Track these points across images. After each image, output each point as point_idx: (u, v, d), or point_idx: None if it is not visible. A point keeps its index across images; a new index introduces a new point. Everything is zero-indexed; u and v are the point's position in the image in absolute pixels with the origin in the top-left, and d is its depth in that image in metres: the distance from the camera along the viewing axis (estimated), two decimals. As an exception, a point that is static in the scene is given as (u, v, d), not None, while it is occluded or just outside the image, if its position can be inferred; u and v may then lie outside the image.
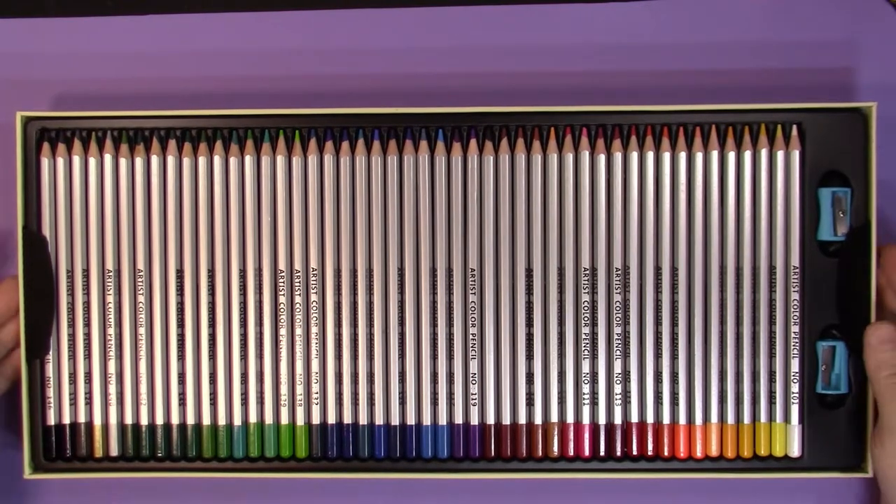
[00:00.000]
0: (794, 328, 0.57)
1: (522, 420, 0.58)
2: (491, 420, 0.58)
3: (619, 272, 0.57)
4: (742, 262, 0.57)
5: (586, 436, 0.58)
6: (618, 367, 0.57)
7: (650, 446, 0.58)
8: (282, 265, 0.58)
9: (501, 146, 0.57)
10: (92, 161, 0.58)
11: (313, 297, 0.58)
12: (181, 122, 0.58)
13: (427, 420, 0.58)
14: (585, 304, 0.57)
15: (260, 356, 0.58)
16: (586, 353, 0.57)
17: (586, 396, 0.58)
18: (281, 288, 0.58)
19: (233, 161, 0.58)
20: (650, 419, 0.57)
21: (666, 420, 0.58)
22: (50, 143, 0.58)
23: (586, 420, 0.58)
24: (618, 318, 0.57)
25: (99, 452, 0.58)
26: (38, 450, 0.58)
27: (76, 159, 0.58)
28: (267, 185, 0.58)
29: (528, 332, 0.58)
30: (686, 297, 0.57)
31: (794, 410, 0.57)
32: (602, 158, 0.57)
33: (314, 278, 0.58)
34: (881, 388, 0.54)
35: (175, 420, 0.58)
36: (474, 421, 0.58)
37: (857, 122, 0.56)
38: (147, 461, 0.58)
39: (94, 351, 0.58)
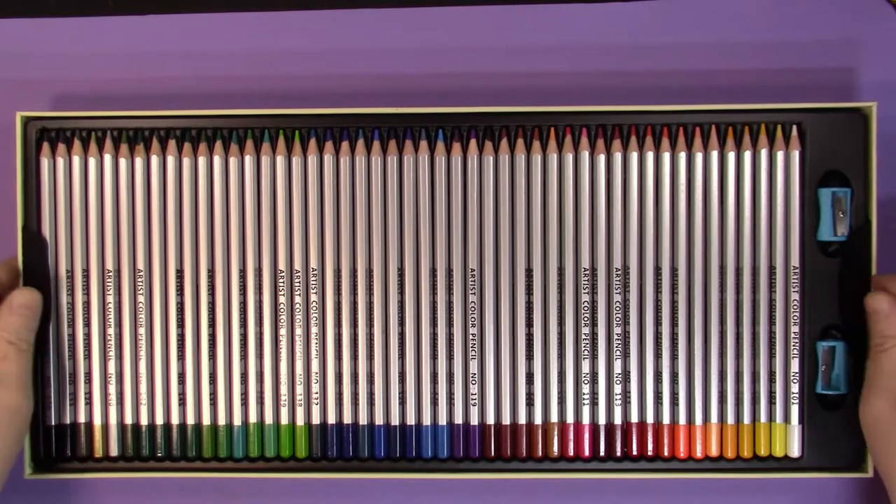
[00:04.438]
0: (794, 328, 0.57)
1: (522, 420, 0.58)
2: (491, 420, 0.58)
3: (619, 272, 0.57)
4: (742, 262, 0.57)
5: (586, 436, 0.58)
6: (618, 367, 0.57)
7: (650, 446, 0.58)
8: (282, 265, 0.58)
9: (501, 146, 0.57)
10: (92, 161, 0.58)
11: (313, 297, 0.58)
12: (181, 122, 0.58)
13: (427, 420, 0.58)
14: (585, 304, 0.57)
15: (260, 356, 0.58)
16: (586, 353, 0.57)
17: (586, 396, 0.58)
18: (281, 288, 0.58)
19: (233, 161, 0.58)
20: (650, 419, 0.58)
21: (666, 420, 0.58)
22: (50, 143, 0.58)
23: (586, 420, 0.58)
24: (618, 319, 0.57)
25: (99, 452, 0.58)
26: (38, 450, 0.58)
27: (76, 159, 0.58)
28: (267, 185, 0.58)
29: (528, 332, 0.58)
30: (686, 297, 0.57)
31: (794, 411, 0.57)
32: (602, 158, 0.57)
33: (314, 278, 0.58)
34: (871, 354, 0.55)
35: (175, 420, 0.58)
36: (474, 421, 0.58)
37: (857, 122, 0.56)
38: (147, 461, 0.58)
39: (94, 351, 0.58)
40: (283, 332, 0.58)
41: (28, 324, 0.56)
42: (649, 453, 0.58)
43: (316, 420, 0.58)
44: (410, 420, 0.58)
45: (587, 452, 0.58)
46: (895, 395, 0.53)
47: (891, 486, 0.53)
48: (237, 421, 0.58)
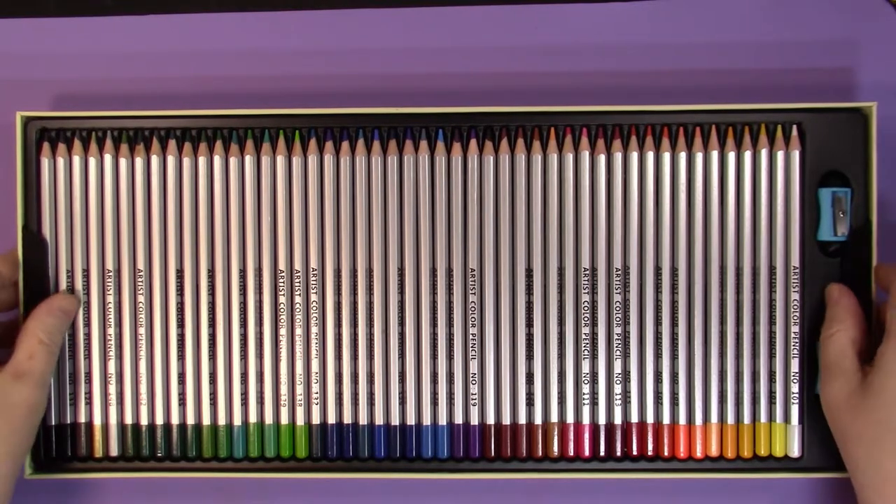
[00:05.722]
0: (794, 328, 0.57)
1: (522, 420, 0.58)
2: (491, 420, 0.58)
3: (619, 272, 0.57)
4: (742, 262, 0.57)
5: (586, 436, 0.58)
6: (618, 367, 0.57)
7: (650, 446, 0.58)
8: (282, 265, 0.58)
9: (501, 146, 0.57)
10: (92, 161, 0.58)
11: (313, 297, 0.58)
12: (181, 122, 0.58)
13: (427, 420, 0.58)
14: (585, 304, 0.57)
15: (260, 356, 0.58)
16: (586, 353, 0.57)
17: (586, 396, 0.58)
18: (281, 288, 0.58)
19: (233, 161, 0.58)
20: (650, 419, 0.58)
21: (666, 420, 0.58)
22: (50, 143, 0.58)
23: (586, 420, 0.58)
24: (618, 319, 0.57)
25: (99, 452, 0.58)
26: (38, 450, 0.58)
27: (76, 159, 0.58)
28: (267, 185, 0.58)
29: (528, 332, 0.58)
30: (686, 297, 0.57)
31: (794, 410, 0.57)
32: (602, 158, 0.57)
33: (314, 278, 0.58)
34: (821, 341, 0.56)
35: (175, 420, 0.58)
36: (474, 421, 0.58)
37: (857, 122, 0.56)
38: (147, 461, 0.58)
39: (94, 351, 0.58)
40: (283, 331, 0.58)
41: (62, 327, 0.57)
42: (649, 453, 0.58)
43: (316, 420, 0.58)
44: (410, 420, 0.58)
45: (587, 452, 0.58)
46: (842, 382, 0.54)
47: (850, 469, 0.54)
48: (237, 421, 0.58)
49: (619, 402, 0.57)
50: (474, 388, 0.58)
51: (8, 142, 0.59)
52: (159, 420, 0.58)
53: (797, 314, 0.57)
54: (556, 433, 0.58)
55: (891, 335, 0.52)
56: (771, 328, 0.57)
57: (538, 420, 0.58)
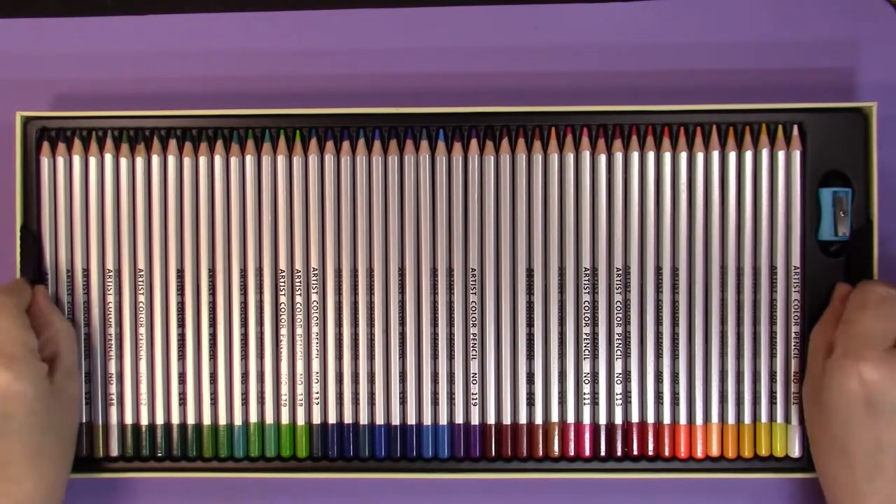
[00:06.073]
0: (795, 328, 0.57)
1: (523, 420, 0.58)
2: (491, 420, 0.58)
3: (620, 272, 0.57)
4: (742, 262, 0.57)
5: (587, 436, 0.58)
6: (618, 367, 0.57)
7: (650, 446, 0.58)
8: (282, 265, 0.58)
9: (501, 146, 0.57)
10: (92, 161, 0.58)
11: (314, 297, 0.58)
12: (181, 122, 0.58)
13: (427, 420, 0.58)
14: (586, 303, 0.57)
15: (260, 356, 0.58)
16: (587, 352, 0.57)
17: (587, 396, 0.58)
18: (281, 288, 0.58)
19: (233, 161, 0.58)
20: (651, 419, 0.57)
21: (666, 420, 0.58)
22: (50, 143, 0.58)
23: (587, 420, 0.58)
24: (618, 318, 0.57)
25: (99, 452, 0.58)
26: (37, 450, 0.58)
27: (76, 159, 0.58)
28: (267, 185, 0.58)
29: (528, 331, 0.58)
30: (687, 296, 0.57)
31: (795, 411, 0.57)
32: (602, 158, 0.57)
33: (314, 278, 0.58)
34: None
35: (175, 420, 0.58)
36: (475, 421, 0.58)
37: (858, 122, 0.56)
38: (147, 461, 0.58)
39: (94, 351, 0.58)
40: (283, 331, 0.58)
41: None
42: (650, 453, 0.58)
43: (316, 420, 0.58)
44: (411, 420, 0.58)
45: (588, 452, 0.58)
46: (811, 383, 0.54)
47: (816, 469, 0.55)
48: (238, 421, 0.58)
49: (619, 401, 0.57)
50: (475, 388, 0.58)
51: (8, 142, 0.59)
52: (159, 420, 0.58)
53: (798, 314, 0.57)
54: (556, 433, 0.58)
55: (835, 352, 0.52)
56: (771, 328, 0.57)
57: (539, 420, 0.58)
